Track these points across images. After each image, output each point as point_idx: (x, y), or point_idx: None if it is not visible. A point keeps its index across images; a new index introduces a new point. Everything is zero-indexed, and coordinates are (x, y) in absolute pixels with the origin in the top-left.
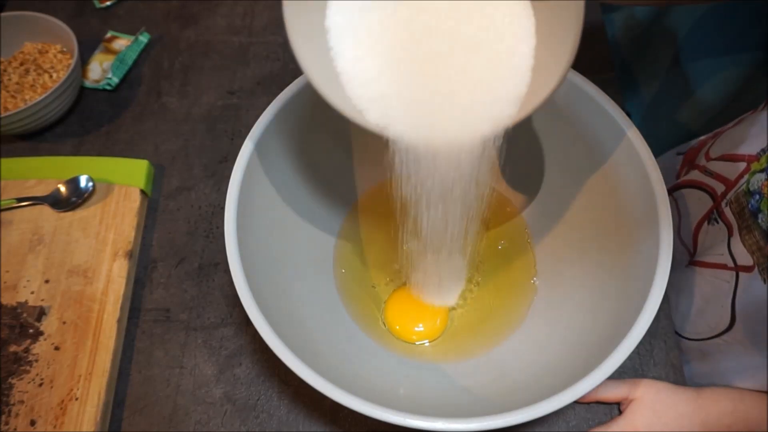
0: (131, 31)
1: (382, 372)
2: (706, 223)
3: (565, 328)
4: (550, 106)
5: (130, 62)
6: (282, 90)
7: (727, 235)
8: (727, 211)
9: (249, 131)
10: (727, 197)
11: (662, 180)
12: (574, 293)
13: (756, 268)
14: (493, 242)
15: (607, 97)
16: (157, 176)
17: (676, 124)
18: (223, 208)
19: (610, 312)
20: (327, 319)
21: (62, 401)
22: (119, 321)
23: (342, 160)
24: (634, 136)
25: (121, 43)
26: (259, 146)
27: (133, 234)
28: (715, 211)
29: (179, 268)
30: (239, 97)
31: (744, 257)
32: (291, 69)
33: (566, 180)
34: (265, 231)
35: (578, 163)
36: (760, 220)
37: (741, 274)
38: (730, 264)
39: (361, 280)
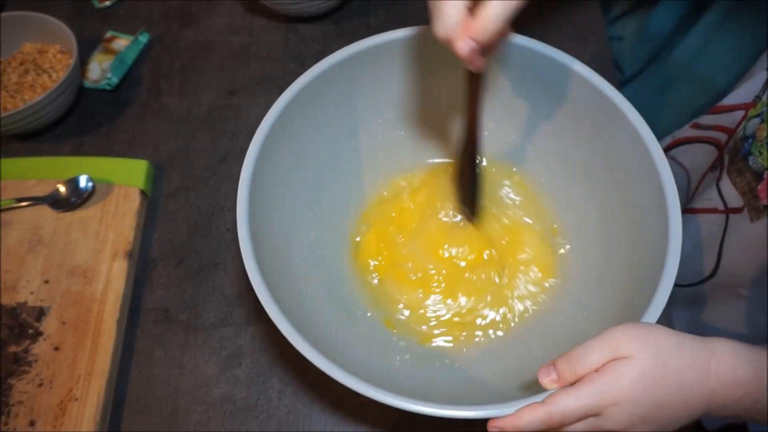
0: (131, 31)
1: (392, 359)
2: (710, 172)
3: (576, 318)
4: (555, 92)
5: (129, 62)
6: (282, 90)
7: (716, 179)
8: (726, 158)
9: (249, 131)
10: (729, 145)
11: (670, 171)
12: (586, 283)
13: (745, 209)
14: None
15: (604, 80)
16: (157, 176)
17: (679, 105)
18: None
19: (619, 301)
20: (334, 310)
21: (62, 401)
22: (119, 321)
23: (345, 154)
24: (635, 119)
25: (121, 43)
26: (266, 142)
27: (132, 234)
28: (718, 159)
29: (179, 268)
30: (239, 97)
31: (734, 199)
32: (291, 69)
33: (575, 171)
34: (274, 225)
35: (583, 150)
36: (750, 162)
37: (731, 216)
38: (721, 207)
39: (367, 271)
